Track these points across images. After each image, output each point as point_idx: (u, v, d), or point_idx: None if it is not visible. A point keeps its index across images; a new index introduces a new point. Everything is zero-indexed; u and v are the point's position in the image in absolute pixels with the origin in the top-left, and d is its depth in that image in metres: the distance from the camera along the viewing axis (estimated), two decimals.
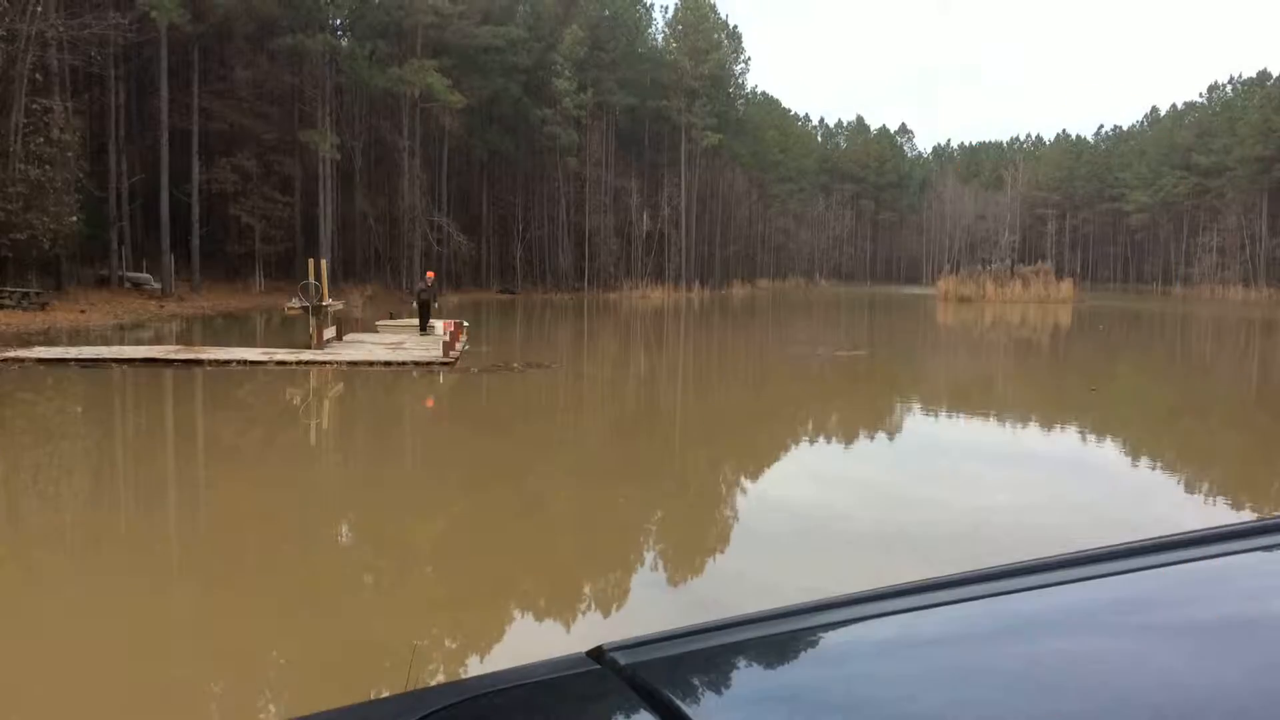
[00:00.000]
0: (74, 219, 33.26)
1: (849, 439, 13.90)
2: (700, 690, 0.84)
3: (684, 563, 7.51)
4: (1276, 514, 8.70)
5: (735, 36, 73.30)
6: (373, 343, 23.46)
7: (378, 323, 27.85)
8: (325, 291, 22.05)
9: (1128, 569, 1.00)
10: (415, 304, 27.18)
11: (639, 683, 0.81)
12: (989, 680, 0.84)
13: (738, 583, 6.82)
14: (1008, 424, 15.26)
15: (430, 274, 29.76)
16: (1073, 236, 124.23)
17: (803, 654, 0.93)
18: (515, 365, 20.48)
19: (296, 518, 8.67)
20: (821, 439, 14.12)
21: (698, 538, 8.29)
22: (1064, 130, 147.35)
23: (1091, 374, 23.19)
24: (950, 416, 16.23)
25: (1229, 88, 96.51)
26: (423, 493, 10.02)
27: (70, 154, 34.11)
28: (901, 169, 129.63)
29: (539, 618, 6.30)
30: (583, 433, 14.15)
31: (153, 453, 11.68)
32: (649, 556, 7.77)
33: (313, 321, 21.00)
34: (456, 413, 15.82)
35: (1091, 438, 13.69)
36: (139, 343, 24.31)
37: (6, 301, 29.59)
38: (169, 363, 18.60)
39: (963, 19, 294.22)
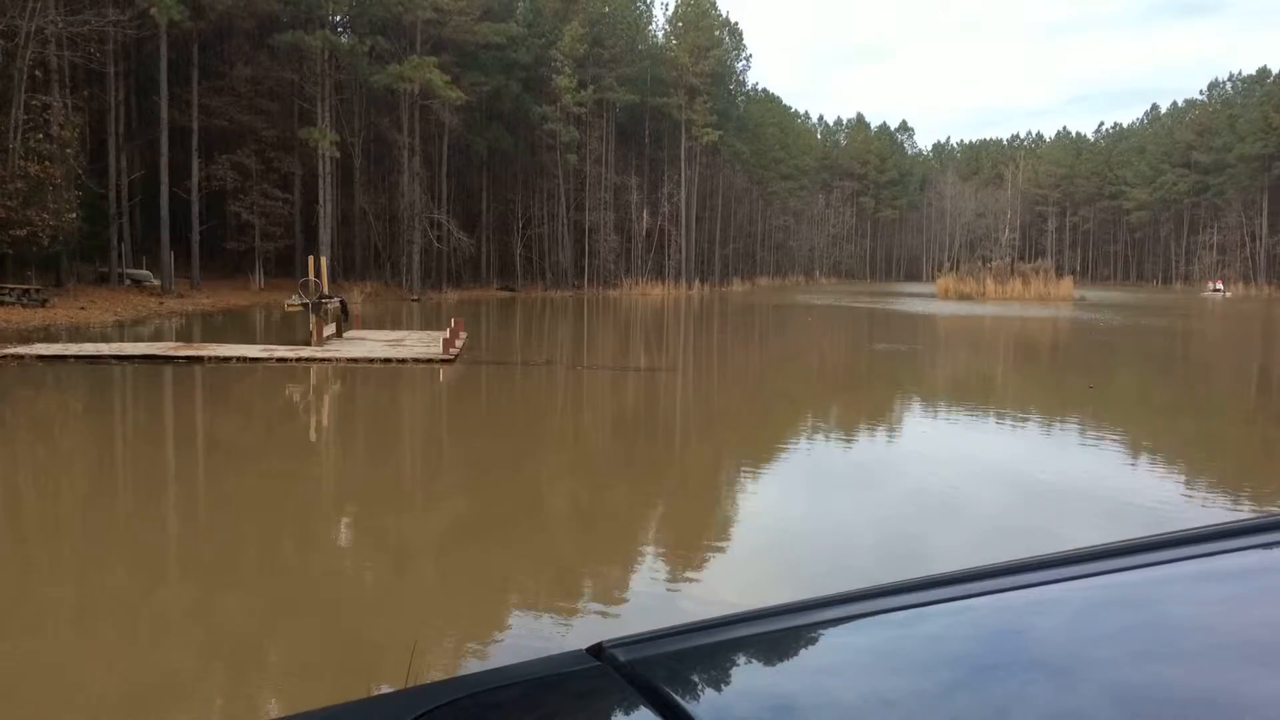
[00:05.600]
0: (74, 216, 33.27)
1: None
2: (700, 686, 0.84)
3: None
4: (1275, 512, 8.70)
5: (735, 33, 73.27)
6: (373, 340, 23.47)
7: None
8: (325, 285, 22.06)
9: (1127, 567, 1.00)
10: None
11: (638, 679, 0.81)
12: (988, 678, 0.84)
13: None
14: None
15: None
16: (1073, 234, 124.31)
17: (802, 651, 0.93)
18: (634, 366, 20.61)
19: (297, 514, 8.67)
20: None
21: None
22: (1064, 127, 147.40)
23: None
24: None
25: (1229, 85, 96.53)
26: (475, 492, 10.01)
27: (70, 151, 34.11)
28: (902, 166, 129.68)
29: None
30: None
31: (152, 449, 11.68)
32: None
33: (312, 319, 21.02)
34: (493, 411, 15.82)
35: None
36: (139, 339, 24.32)
37: (6, 298, 29.60)
38: (169, 360, 18.61)
39: (964, 17, 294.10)
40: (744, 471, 11.05)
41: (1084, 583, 0.99)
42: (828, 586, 1.29)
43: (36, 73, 33.31)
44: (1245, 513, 8.72)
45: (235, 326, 30.57)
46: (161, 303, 36.65)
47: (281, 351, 20.14)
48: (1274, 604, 0.94)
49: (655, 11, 75.07)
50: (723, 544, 7.92)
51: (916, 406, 16.56)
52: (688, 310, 48.67)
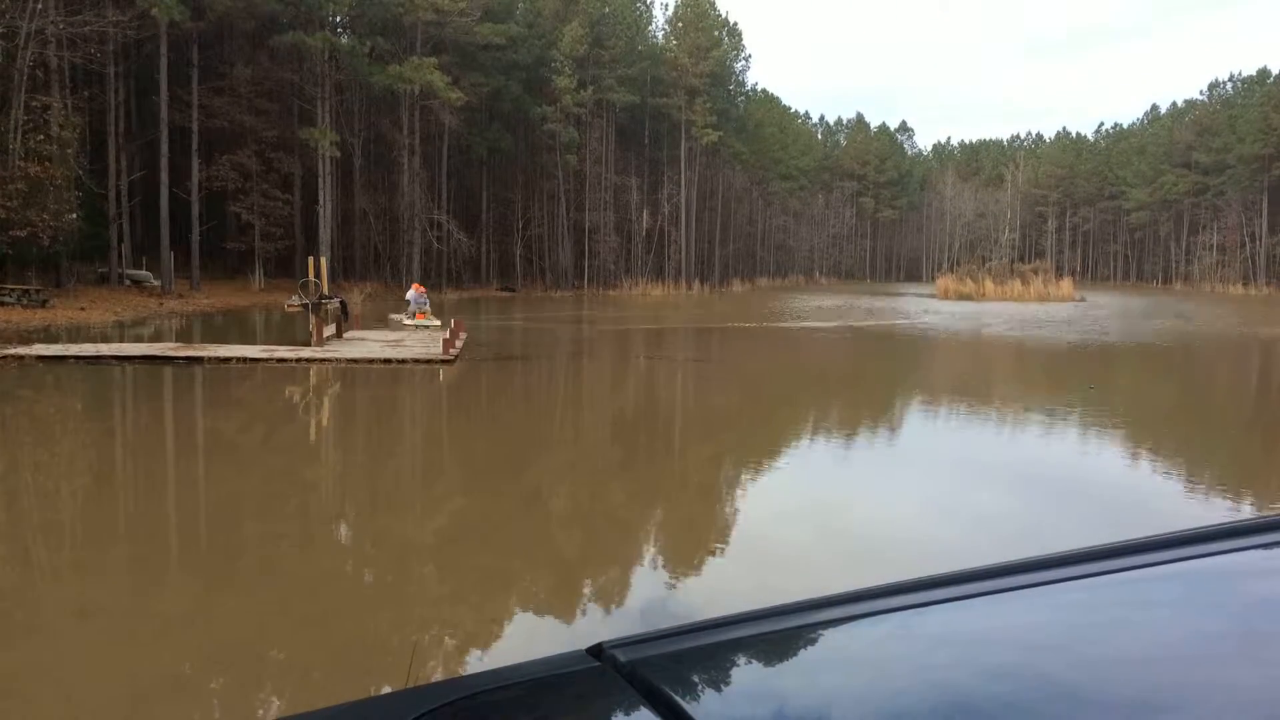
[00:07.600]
0: (74, 216, 33.27)
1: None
2: (700, 687, 0.84)
3: None
4: (1275, 512, 8.70)
5: (735, 34, 73.28)
6: (373, 340, 23.47)
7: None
8: (325, 285, 22.04)
9: (1126, 567, 1.00)
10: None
11: (639, 680, 0.81)
12: (988, 677, 0.84)
13: None
14: None
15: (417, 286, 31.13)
16: (1073, 234, 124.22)
17: (802, 651, 0.93)
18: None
19: (297, 515, 8.67)
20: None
21: None
22: (1064, 128, 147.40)
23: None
24: None
25: (1229, 85, 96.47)
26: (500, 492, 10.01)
27: (70, 151, 34.11)
28: (901, 167, 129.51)
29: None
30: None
31: (153, 450, 11.68)
32: None
33: (312, 319, 21.01)
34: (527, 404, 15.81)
35: None
36: (139, 340, 24.32)
37: (6, 299, 29.60)
38: (169, 360, 18.60)
39: (963, 15, 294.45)
40: (737, 467, 11.05)
41: (1083, 583, 0.99)
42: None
43: (37, 73, 33.33)
44: (1245, 513, 8.72)
45: (235, 327, 30.56)
46: (161, 303, 36.63)
47: (281, 352, 20.13)
48: (1274, 604, 0.94)
49: (655, 12, 74.95)
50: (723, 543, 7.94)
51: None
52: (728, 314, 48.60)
